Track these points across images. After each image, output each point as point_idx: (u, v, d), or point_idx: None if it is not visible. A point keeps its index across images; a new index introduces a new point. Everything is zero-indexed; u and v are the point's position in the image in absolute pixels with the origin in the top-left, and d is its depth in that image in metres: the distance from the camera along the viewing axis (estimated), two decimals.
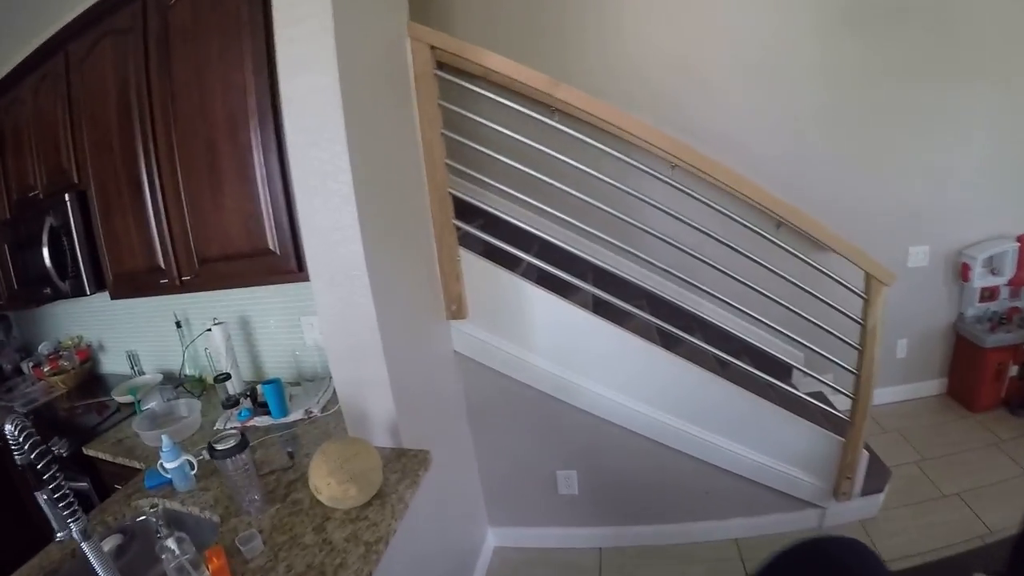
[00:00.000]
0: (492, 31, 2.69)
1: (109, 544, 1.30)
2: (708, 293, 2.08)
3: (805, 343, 2.14)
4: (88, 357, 2.87)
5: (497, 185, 2.10)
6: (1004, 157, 2.84)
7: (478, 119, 2.01)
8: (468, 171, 2.08)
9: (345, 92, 1.40)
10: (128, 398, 2.31)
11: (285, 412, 1.99)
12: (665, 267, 2.07)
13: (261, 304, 2.32)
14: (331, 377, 2.08)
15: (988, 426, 2.93)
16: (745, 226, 2.05)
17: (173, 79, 1.81)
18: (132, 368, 2.71)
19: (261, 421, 1.97)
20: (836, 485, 2.27)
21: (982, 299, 3.01)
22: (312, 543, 1.24)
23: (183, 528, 1.23)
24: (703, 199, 2.04)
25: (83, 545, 0.94)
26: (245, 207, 1.77)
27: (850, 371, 2.16)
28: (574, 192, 2.02)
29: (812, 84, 2.73)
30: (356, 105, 1.46)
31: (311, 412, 1.99)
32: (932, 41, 2.65)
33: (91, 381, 2.83)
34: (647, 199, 2.03)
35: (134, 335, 2.71)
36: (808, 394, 2.29)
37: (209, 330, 2.25)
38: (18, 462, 0.96)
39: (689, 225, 2.03)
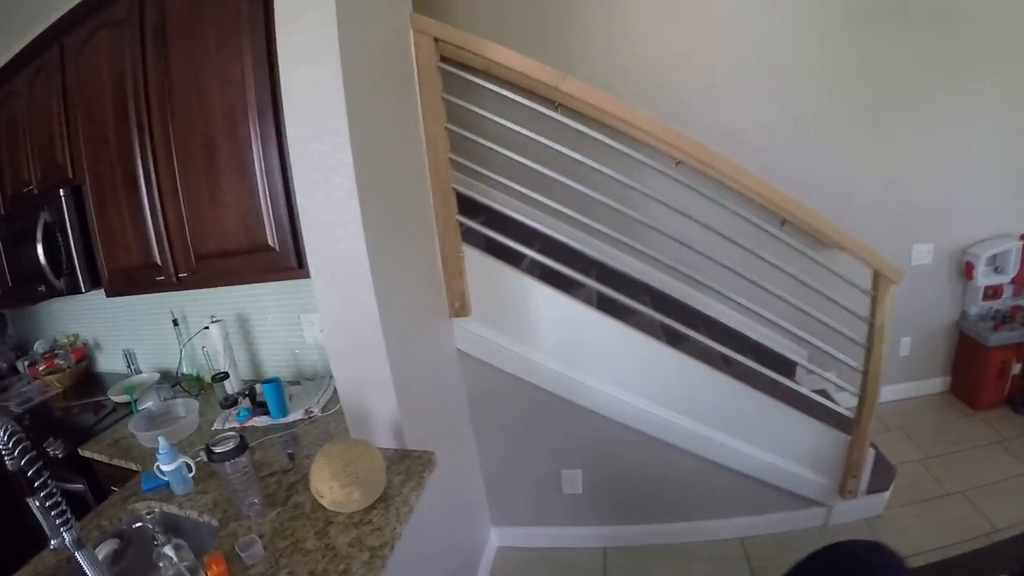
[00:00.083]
0: (495, 27, 2.66)
1: (105, 549, 1.26)
2: (712, 289, 2.06)
3: (812, 340, 2.12)
4: (84, 356, 2.83)
5: (500, 179, 2.06)
6: (1008, 156, 2.84)
7: (482, 112, 1.98)
8: (471, 165, 2.04)
9: (348, 84, 1.36)
10: (124, 398, 2.27)
11: (285, 412, 1.95)
12: (669, 262, 2.05)
13: (260, 302, 2.29)
14: (332, 376, 2.06)
15: (991, 424, 2.93)
16: (751, 222, 2.02)
17: (170, 72, 1.77)
18: (129, 367, 2.67)
19: (260, 421, 1.94)
20: (842, 483, 2.26)
21: (986, 297, 3.02)
22: (314, 549, 1.20)
23: (181, 533, 1.21)
24: (708, 195, 2.01)
25: (76, 555, 0.90)
26: (244, 202, 1.74)
27: (857, 369, 2.15)
28: (577, 186, 2.00)
29: (815, 83, 2.73)
30: (359, 98, 1.42)
31: (311, 412, 1.96)
32: (935, 40, 2.65)
33: (87, 380, 2.79)
34: (651, 194, 2.00)
35: (130, 333, 2.67)
36: (811, 391, 2.27)
37: (207, 328, 2.22)
38: (9, 468, 0.93)
39: (694, 221, 2.01)
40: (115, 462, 1.90)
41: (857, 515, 2.36)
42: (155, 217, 1.93)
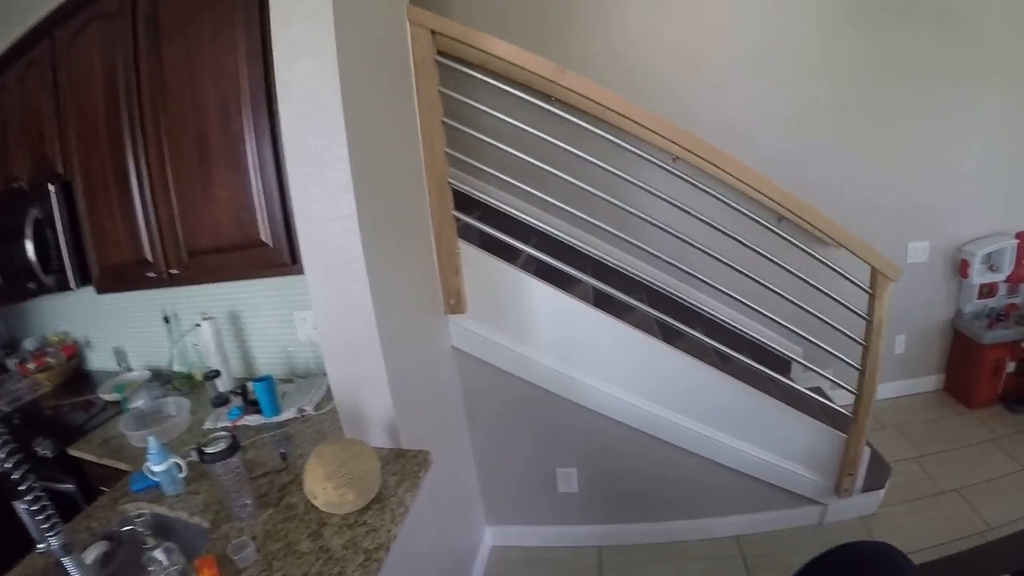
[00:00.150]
0: (493, 25, 2.61)
1: (94, 552, 1.23)
2: (709, 285, 2.05)
3: (809, 338, 2.12)
4: (74, 353, 2.79)
5: (497, 174, 2.04)
6: (1004, 154, 2.86)
7: (480, 106, 1.95)
8: (467, 159, 2.02)
9: (344, 77, 1.34)
10: (115, 396, 2.24)
11: (277, 411, 1.93)
12: (666, 258, 2.04)
13: (252, 298, 2.26)
14: (325, 374, 2.03)
15: (985, 422, 2.94)
16: (751, 218, 2.02)
17: (162, 65, 1.75)
18: (119, 365, 2.64)
19: (252, 420, 1.91)
20: (838, 482, 2.26)
21: (980, 295, 3.03)
22: (308, 551, 1.18)
23: (172, 535, 1.18)
24: (708, 190, 2.00)
25: (64, 561, 0.88)
26: (236, 197, 1.71)
27: (854, 367, 2.15)
28: (575, 181, 1.98)
29: (814, 80, 2.73)
30: (355, 90, 1.40)
31: (304, 411, 1.94)
32: (935, 39, 2.65)
33: (77, 378, 2.75)
34: (649, 188, 1.99)
35: (121, 331, 2.64)
36: (806, 389, 2.26)
37: (198, 325, 2.19)
38: None
39: (691, 215, 1.99)
40: (105, 462, 1.87)
41: (852, 513, 2.37)
42: (146, 212, 1.90)
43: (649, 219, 1.99)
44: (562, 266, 2.05)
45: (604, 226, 2.02)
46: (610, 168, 1.97)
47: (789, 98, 2.75)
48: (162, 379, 2.42)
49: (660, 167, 2.01)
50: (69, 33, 1.95)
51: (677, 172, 2.01)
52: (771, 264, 2.02)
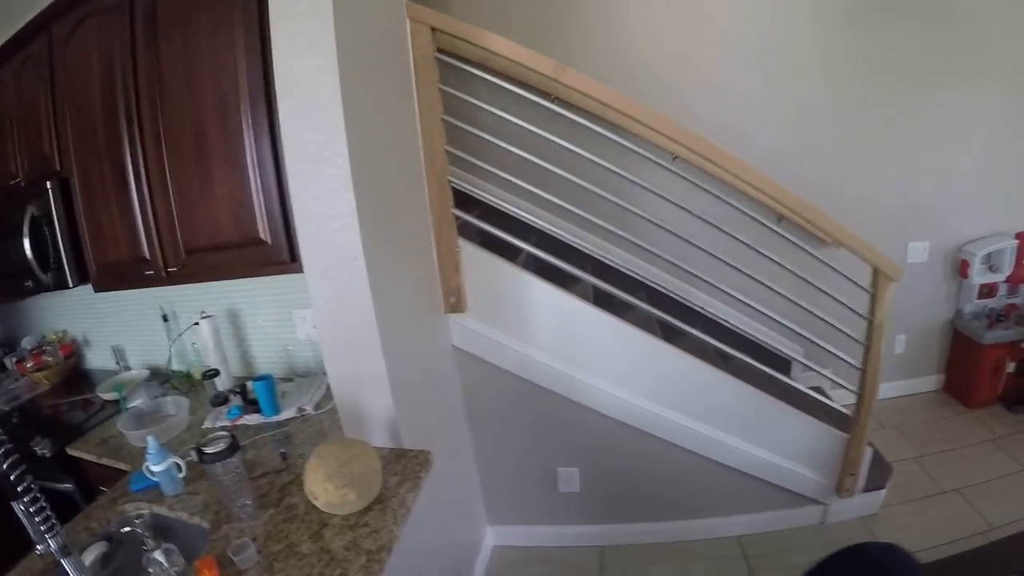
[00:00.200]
0: (493, 23, 2.59)
1: (94, 553, 1.22)
2: (709, 284, 2.04)
3: (810, 337, 2.12)
4: (72, 352, 2.78)
5: (496, 172, 2.03)
6: (1004, 154, 2.85)
7: (480, 104, 1.94)
8: (467, 157, 2.00)
9: (343, 72, 1.32)
10: (113, 395, 2.22)
11: (277, 410, 1.92)
12: (667, 257, 2.03)
13: (251, 297, 2.25)
14: (325, 373, 2.02)
15: (985, 422, 2.94)
16: (752, 218, 2.01)
17: (160, 61, 1.73)
18: (118, 363, 2.62)
19: (252, 419, 1.90)
20: (839, 481, 2.26)
21: (980, 296, 3.03)
22: (310, 552, 1.17)
23: (171, 535, 1.17)
24: (709, 189, 2.00)
25: (63, 562, 0.87)
26: (235, 195, 1.70)
27: (855, 367, 2.14)
28: (574, 179, 1.97)
29: (814, 79, 2.72)
30: (354, 87, 1.38)
31: (304, 410, 1.92)
32: (933, 38, 2.65)
33: (75, 377, 2.73)
34: (649, 187, 1.98)
35: (119, 329, 2.62)
36: (807, 388, 2.26)
37: (197, 324, 2.18)
38: None
39: (691, 214, 1.99)
40: (104, 461, 1.86)
41: (853, 513, 2.36)
42: (144, 210, 1.89)
43: (649, 218, 1.98)
44: (562, 264, 2.04)
45: (604, 224, 2.01)
46: (610, 166, 1.96)
47: (788, 98, 2.75)
48: (161, 378, 2.40)
49: (660, 166, 2.01)
50: (66, 28, 1.94)
51: (677, 171, 2.00)
52: (771, 263, 2.02)
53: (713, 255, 1.99)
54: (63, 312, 2.78)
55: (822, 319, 2.08)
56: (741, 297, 2.04)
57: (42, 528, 0.87)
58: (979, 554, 2.09)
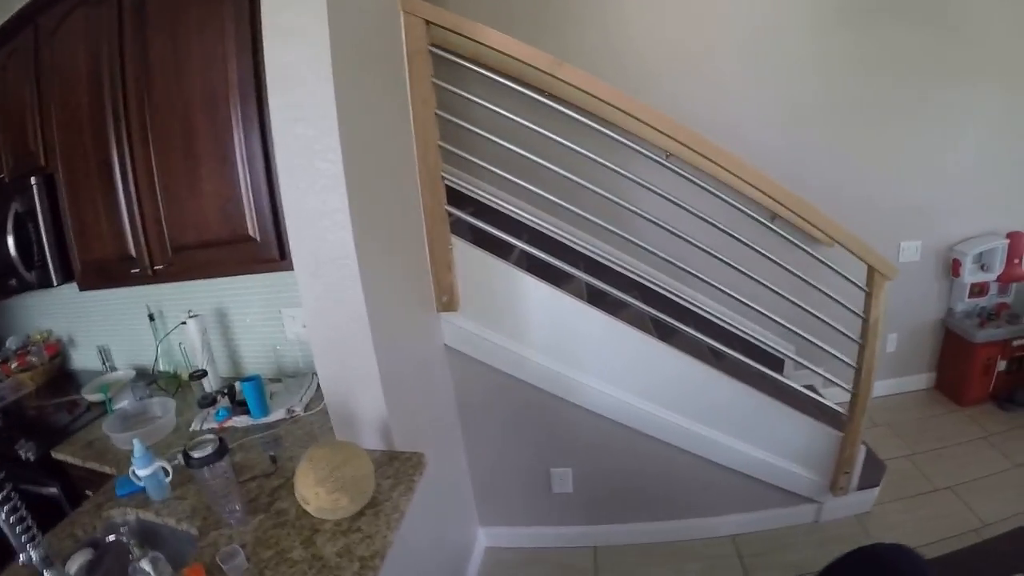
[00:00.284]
0: (489, 14, 2.58)
1: (78, 561, 1.18)
2: (703, 281, 2.03)
3: (804, 335, 2.11)
4: (57, 352, 2.72)
5: (490, 168, 2.00)
6: (997, 154, 2.87)
7: (474, 99, 1.91)
8: (460, 153, 1.97)
9: (336, 65, 1.29)
10: (99, 396, 2.18)
11: (266, 411, 1.88)
12: (660, 254, 2.01)
13: (239, 295, 2.21)
14: (314, 373, 1.99)
15: (976, 420, 2.96)
16: (746, 214, 2.00)
17: (148, 53, 1.69)
18: (103, 364, 2.57)
19: (240, 421, 1.86)
20: (833, 480, 2.26)
21: (972, 295, 3.05)
22: (301, 559, 1.14)
23: (158, 542, 1.14)
24: (703, 184, 1.99)
25: (45, 573, 0.83)
26: (224, 191, 1.66)
27: (850, 365, 2.14)
28: (568, 175, 1.95)
29: (807, 79, 2.73)
30: (347, 79, 1.35)
31: (294, 411, 1.89)
32: (927, 38, 2.66)
33: (61, 378, 2.68)
34: (644, 183, 1.96)
35: (105, 329, 2.57)
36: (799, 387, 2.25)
37: (184, 323, 2.14)
38: None
39: (686, 210, 1.97)
40: (89, 465, 1.81)
41: (848, 511, 2.37)
42: (130, 206, 1.84)
43: (643, 214, 1.96)
44: (555, 261, 2.01)
45: (598, 221, 1.99)
46: (604, 162, 1.94)
47: (783, 97, 2.74)
48: (147, 379, 2.36)
49: (655, 162, 1.99)
50: (53, 20, 1.89)
51: (672, 167, 1.99)
52: (765, 261, 2.01)
53: (707, 251, 1.98)
54: (48, 311, 2.73)
55: (817, 317, 2.07)
56: (735, 295, 2.03)
57: (23, 538, 0.84)
58: (974, 552, 2.10)
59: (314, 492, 1.20)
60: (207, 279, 2.00)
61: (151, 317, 2.31)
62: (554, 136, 1.91)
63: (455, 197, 2.04)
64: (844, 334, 2.10)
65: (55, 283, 2.07)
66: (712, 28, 2.67)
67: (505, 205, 2.19)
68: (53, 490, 1.98)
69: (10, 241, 2.00)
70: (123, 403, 2.08)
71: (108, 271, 2.00)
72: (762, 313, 2.06)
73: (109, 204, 1.88)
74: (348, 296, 1.44)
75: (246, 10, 1.53)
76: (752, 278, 2.00)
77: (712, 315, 2.35)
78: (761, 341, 2.39)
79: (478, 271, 2.00)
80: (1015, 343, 2.94)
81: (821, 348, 2.12)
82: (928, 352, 3.26)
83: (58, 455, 1.93)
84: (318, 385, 1.96)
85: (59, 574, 0.88)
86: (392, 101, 1.74)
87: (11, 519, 0.82)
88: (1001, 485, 2.46)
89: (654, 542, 2.36)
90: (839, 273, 2.03)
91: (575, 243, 2.32)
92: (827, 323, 2.07)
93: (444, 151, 1.91)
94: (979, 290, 3.02)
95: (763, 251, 1.99)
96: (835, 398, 2.33)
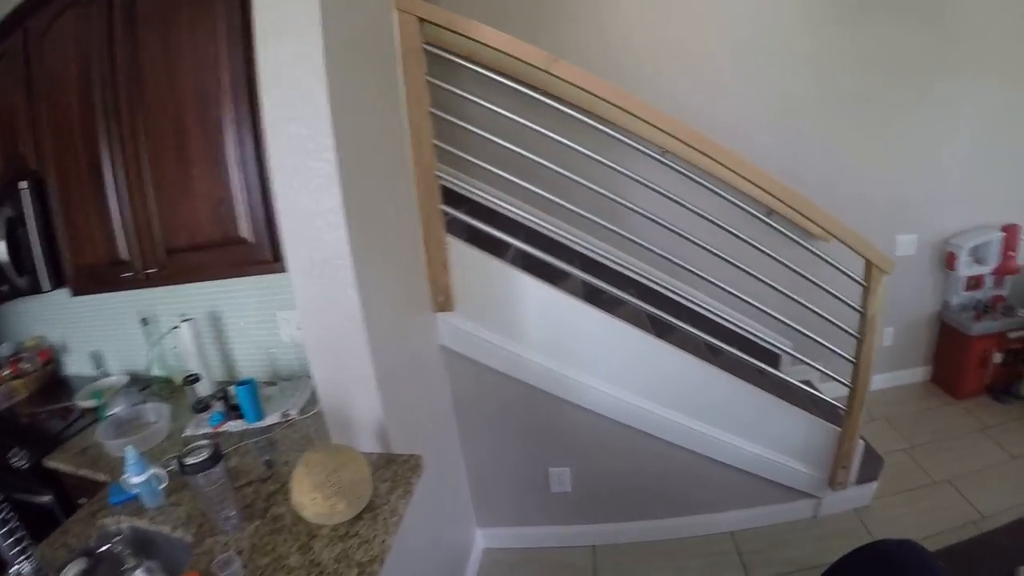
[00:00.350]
0: (483, 11, 2.56)
1: (72, 571, 1.16)
2: (700, 277, 2.02)
3: (802, 330, 2.11)
4: (50, 358, 2.69)
5: (486, 166, 1.99)
6: (991, 147, 2.88)
7: (468, 96, 1.90)
8: (454, 151, 1.96)
9: (329, 62, 1.27)
10: (92, 402, 2.15)
11: (261, 415, 1.86)
12: (657, 251, 2.01)
13: (233, 299, 2.19)
14: (310, 376, 1.97)
15: (973, 412, 2.97)
16: (743, 209, 1.99)
17: (139, 53, 1.66)
18: (97, 369, 2.54)
19: (235, 426, 1.84)
20: (832, 475, 2.26)
21: (967, 288, 3.06)
22: (298, 566, 1.12)
23: (153, 550, 1.12)
24: (700, 180, 1.98)
25: None
26: (216, 192, 1.64)
27: (848, 359, 2.13)
28: (564, 172, 1.94)
29: (802, 74, 2.73)
30: (341, 77, 1.33)
31: (289, 415, 1.87)
32: (920, 34, 2.66)
33: (54, 384, 2.64)
34: (640, 179, 1.95)
35: (98, 334, 2.54)
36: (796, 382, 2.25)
37: (177, 327, 2.11)
38: None
39: (683, 207, 1.96)
40: (82, 473, 1.79)
41: (846, 506, 2.37)
42: (121, 209, 1.82)
43: (639, 211, 1.95)
44: (551, 259, 2.00)
45: (594, 218, 1.98)
46: (600, 158, 1.93)
47: (777, 93, 2.74)
48: (141, 384, 2.33)
49: (652, 158, 1.98)
50: (43, 22, 1.86)
51: (669, 163, 1.98)
52: (761, 257, 2.00)
53: (704, 247, 1.97)
54: (41, 317, 2.70)
55: (814, 312, 2.07)
56: (732, 291, 2.02)
57: (14, 551, 0.82)
58: (975, 544, 2.10)
59: (311, 497, 1.18)
60: (200, 282, 1.97)
61: (144, 322, 2.28)
62: (550, 133, 1.90)
63: (450, 196, 2.02)
64: (842, 328, 2.09)
65: (47, 288, 2.04)
66: (707, 26, 2.66)
67: (501, 203, 2.17)
68: (47, 499, 1.95)
69: (1, 246, 1.98)
70: (116, 409, 2.05)
71: (100, 275, 1.98)
72: (759, 308, 2.05)
73: (100, 207, 1.85)
74: (343, 296, 1.42)
75: (238, 9, 1.50)
76: (749, 273, 2.00)
77: (709, 311, 2.34)
78: (758, 337, 2.38)
79: (474, 270, 1.99)
80: (1011, 335, 2.95)
81: (819, 343, 2.11)
82: (924, 345, 3.27)
83: (51, 463, 1.91)
84: (313, 388, 1.95)
85: None
86: (386, 100, 1.72)
87: (2, 531, 0.81)
88: (999, 477, 2.47)
89: (653, 540, 2.35)
90: (837, 268, 2.02)
91: (571, 241, 2.31)
92: (824, 318, 2.06)
93: (439, 150, 1.89)
94: (975, 283, 3.03)
95: (760, 246, 1.98)
96: (832, 393, 2.33)
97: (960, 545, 2.11)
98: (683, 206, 1.96)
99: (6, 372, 2.53)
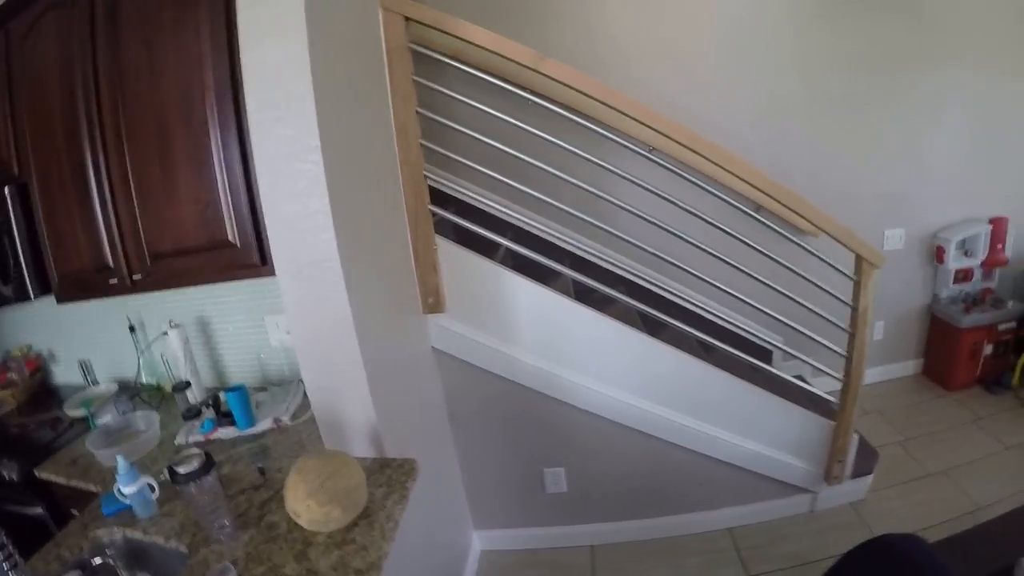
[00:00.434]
0: (469, 11, 2.54)
1: None
2: (691, 274, 2.02)
3: (794, 326, 2.11)
4: (38, 368, 2.65)
5: (474, 166, 1.97)
6: (977, 141, 2.90)
7: (455, 95, 1.88)
8: (442, 151, 1.94)
9: (315, 62, 1.26)
10: (81, 412, 2.12)
11: (252, 422, 1.84)
12: (646, 248, 2.00)
13: (221, 304, 2.16)
14: (300, 380, 1.95)
15: (965, 404, 2.99)
16: (733, 205, 1.99)
17: (122, 56, 1.65)
18: (85, 378, 2.51)
19: (226, 433, 1.82)
20: (827, 469, 2.26)
21: (956, 281, 3.07)
22: (295, 574, 1.10)
23: (147, 561, 1.10)
24: (688, 176, 1.98)
25: None
26: (201, 196, 1.62)
27: (840, 354, 2.14)
28: (552, 170, 1.92)
29: (787, 71, 2.74)
30: (326, 77, 1.32)
31: (280, 420, 1.85)
32: (906, 28, 2.68)
33: (42, 394, 2.60)
34: (629, 176, 1.95)
35: (86, 342, 2.50)
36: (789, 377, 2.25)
37: (165, 334, 2.08)
38: None
39: (672, 203, 1.96)
40: (73, 483, 1.76)
41: (842, 500, 2.38)
42: (106, 214, 1.80)
43: (629, 208, 1.94)
44: (541, 258, 1.99)
45: (583, 216, 1.97)
46: (588, 156, 1.92)
47: (763, 90, 2.75)
48: (130, 392, 2.30)
49: (640, 154, 1.97)
50: (24, 24, 1.83)
51: (657, 160, 1.98)
52: (751, 253, 2.00)
53: (693, 243, 1.96)
54: (27, 326, 2.65)
55: (806, 307, 2.07)
56: (722, 287, 2.02)
57: (4, 566, 0.80)
58: (972, 535, 2.11)
59: (305, 505, 1.16)
60: (187, 287, 1.95)
61: (132, 329, 2.25)
62: (538, 132, 1.89)
63: (438, 196, 2.01)
64: (833, 323, 2.10)
65: (33, 296, 2.02)
66: (692, 24, 2.66)
67: (489, 203, 2.16)
68: (38, 510, 1.92)
69: None
70: (106, 418, 2.03)
71: (86, 282, 1.95)
72: (750, 304, 2.05)
73: (85, 213, 1.83)
74: (332, 300, 1.40)
75: (222, 10, 1.49)
76: (740, 269, 1.99)
77: (699, 308, 2.34)
78: (749, 332, 2.38)
79: (464, 271, 1.98)
80: (1000, 327, 2.97)
81: (810, 338, 2.11)
82: (915, 339, 3.28)
83: (42, 474, 1.87)
84: (304, 392, 1.93)
85: None
86: (373, 100, 1.71)
87: None
88: (993, 467, 2.49)
89: (651, 538, 2.35)
90: (827, 263, 2.03)
91: (560, 239, 2.30)
92: (816, 312, 2.06)
93: (426, 150, 1.88)
94: (963, 276, 3.05)
95: (750, 242, 1.98)
96: (824, 387, 2.33)
97: (957, 536, 2.11)
98: (672, 203, 1.95)
99: None
